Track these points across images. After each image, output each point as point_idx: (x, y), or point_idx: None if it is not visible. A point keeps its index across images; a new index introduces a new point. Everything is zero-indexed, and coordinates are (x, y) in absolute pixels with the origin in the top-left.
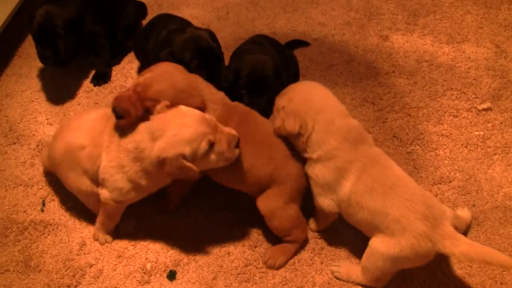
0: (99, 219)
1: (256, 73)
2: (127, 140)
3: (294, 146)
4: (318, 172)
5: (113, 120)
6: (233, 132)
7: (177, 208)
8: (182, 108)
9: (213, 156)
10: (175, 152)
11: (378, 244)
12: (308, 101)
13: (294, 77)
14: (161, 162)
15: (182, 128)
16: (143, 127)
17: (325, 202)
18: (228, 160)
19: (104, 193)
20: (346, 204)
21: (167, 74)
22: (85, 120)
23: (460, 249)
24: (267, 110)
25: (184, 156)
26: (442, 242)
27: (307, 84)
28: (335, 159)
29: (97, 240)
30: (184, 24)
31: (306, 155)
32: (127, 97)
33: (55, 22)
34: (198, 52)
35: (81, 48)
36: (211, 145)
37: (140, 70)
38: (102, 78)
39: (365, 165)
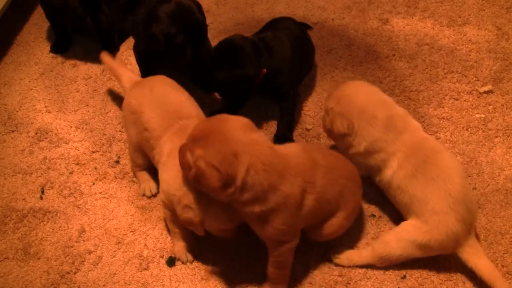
0: None
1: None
2: None
3: (340, 144)
4: (365, 161)
5: None
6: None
7: None
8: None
9: None
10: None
11: (409, 227)
12: (353, 101)
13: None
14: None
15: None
16: None
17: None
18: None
19: None
20: (387, 185)
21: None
22: None
23: (478, 261)
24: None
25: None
26: (465, 248)
27: (353, 84)
28: (380, 152)
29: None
30: None
31: (352, 151)
32: None
33: None
34: (185, 27)
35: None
36: None
37: (135, 49)
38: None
39: (406, 154)
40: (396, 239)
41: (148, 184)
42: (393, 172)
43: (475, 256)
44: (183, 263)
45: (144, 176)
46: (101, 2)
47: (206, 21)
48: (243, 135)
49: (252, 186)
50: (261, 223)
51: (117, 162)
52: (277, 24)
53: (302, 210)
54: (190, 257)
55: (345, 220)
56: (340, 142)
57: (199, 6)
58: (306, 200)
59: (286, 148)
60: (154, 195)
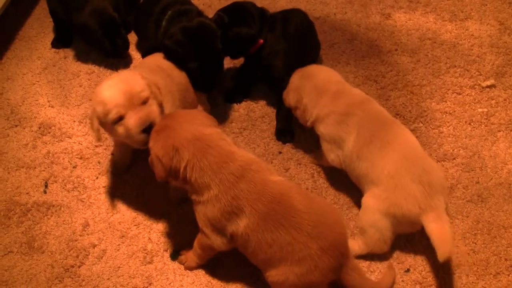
0: None
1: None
2: None
3: (298, 117)
4: (322, 129)
5: None
6: (151, 116)
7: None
8: (125, 73)
9: (119, 129)
10: (93, 107)
11: (369, 199)
12: (311, 78)
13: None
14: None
15: (106, 88)
16: None
17: (330, 156)
18: (134, 142)
19: None
20: (349, 159)
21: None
22: None
23: (433, 226)
24: None
25: (97, 114)
26: (427, 214)
27: (317, 66)
28: (332, 114)
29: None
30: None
31: (309, 123)
32: None
33: None
34: (201, 55)
35: None
36: (120, 118)
37: (139, 45)
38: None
39: (362, 120)
40: (365, 220)
41: None
42: (353, 139)
43: (436, 223)
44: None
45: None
46: (120, 27)
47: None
48: (191, 132)
49: (189, 180)
50: (194, 206)
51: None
52: (286, 13)
53: (230, 226)
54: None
55: (292, 276)
56: (296, 114)
57: (219, 30)
58: (239, 219)
59: (244, 158)
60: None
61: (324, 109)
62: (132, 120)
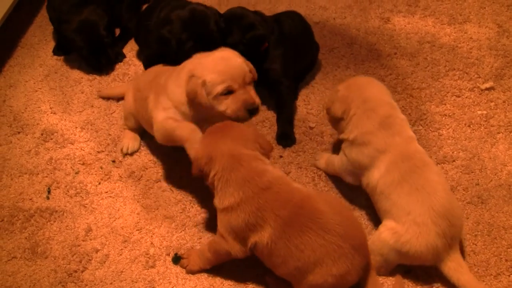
0: None
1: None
2: None
3: (335, 126)
4: (354, 154)
5: None
6: (256, 100)
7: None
8: (231, 51)
9: (225, 102)
10: (200, 74)
11: (387, 233)
12: (361, 91)
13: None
14: (190, 77)
15: (219, 60)
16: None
17: (348, 179)
18: (237, 117)
19: None
20: (371, 190)
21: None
22: None
23: (460, 277)
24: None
25: (204, 82)
26: (447, 263)
27: (368, 78)
28: (369, 145)
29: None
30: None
31: (343, 136)
32: None
33: None
34: (195, 34)
35: None
36: (229, 91)
37: (139, 54)
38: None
39: (395, 159)
40: (376, 245)
41: (129, 142)
42: (380, 175)
43: (457, 272)
44: None
45: (129, 134)
46: (106, 46)
47: (219, 30)
48: (229, 148)
49: (216, 187)
50: (218, 212)
51: (118, 161)
52: (280, 16)
53: (254, 237)
54: None
55: (330, 278)
56: (334, 123)
57: (215, 14)
58: (263, 229)
59: (274, 175)
60: (130, 154)
61: (366, 136)
62: (246, 97)
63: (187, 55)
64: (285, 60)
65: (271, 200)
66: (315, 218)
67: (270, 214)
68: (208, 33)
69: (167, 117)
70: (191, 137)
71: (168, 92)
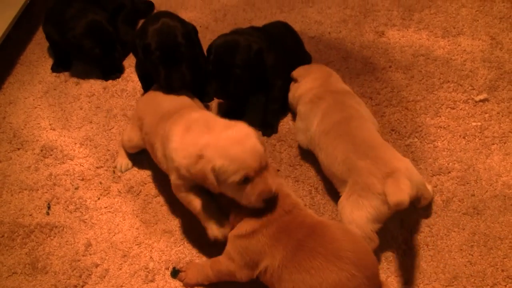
0: None
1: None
2: None
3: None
4: (300, 107)
5: None
6: (273, 188)
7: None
8: (245, 128)
9: (239, 192)
10: (211, 157)
11: (341, 199)
12: (309, 72)
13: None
14: (198, 156)
15: (233, 143)
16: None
17: (300, 137)
18: (249, 204)
19: None
20: (313, 143)
21: None
22: None
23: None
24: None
25: (214, 168)
26: (387, 181)
27: (318, 64)
28: (309, 93)
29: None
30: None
31: (293, 94)
32: None
33: None
34: (163, 45)
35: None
36: (245, 180)
37: (136, 66)
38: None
39: (329, 108)
40: (342, 218)
41: (123, 160)
42: (317, 123)
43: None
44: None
45: (124, 152)
46: (115, 42)
47: (185, 45)
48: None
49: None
50: (238, 240)
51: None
52: (266, 27)
53: (266, 260)
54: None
55: None
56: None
57: (188, 31)
58: (277, 251)
59: (293, 199)
60: (122, 172)
61: (306, 85)
62: (263, 187)
63: (156, 66)
64: (277, 62)
65: (288, 223)
66: (326, 243)
67: (284, 237)
68: (174, 45)
69: (178, 185)
70: (204, 214)
71: (170, 149)
